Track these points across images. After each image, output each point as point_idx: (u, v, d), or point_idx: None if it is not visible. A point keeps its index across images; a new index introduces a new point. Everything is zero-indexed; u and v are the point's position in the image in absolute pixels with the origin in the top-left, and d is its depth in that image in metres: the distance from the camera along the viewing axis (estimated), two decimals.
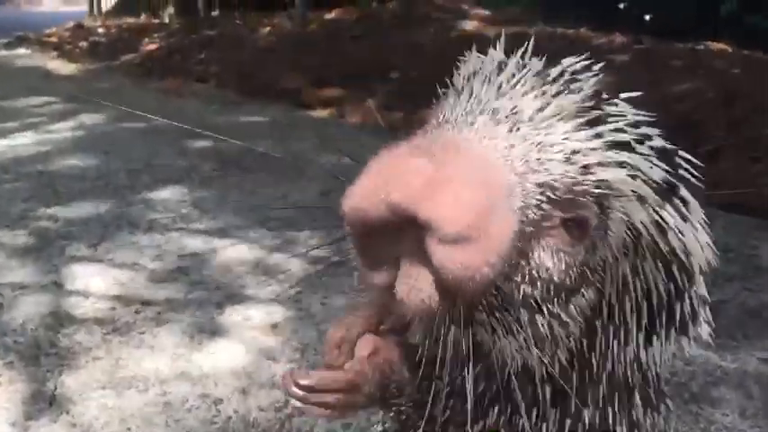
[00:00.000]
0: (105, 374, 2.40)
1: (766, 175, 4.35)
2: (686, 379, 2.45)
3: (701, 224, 0.87)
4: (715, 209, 4.05)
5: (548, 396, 0.87)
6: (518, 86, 0.79)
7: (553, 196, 0.74)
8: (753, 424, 2.23)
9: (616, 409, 0.89)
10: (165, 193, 4.20)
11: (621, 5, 8.29)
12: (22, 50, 11.26)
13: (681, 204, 0.85)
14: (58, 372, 2.40)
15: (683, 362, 2.54)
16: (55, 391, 2.31)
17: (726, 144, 4.62)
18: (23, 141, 5.41)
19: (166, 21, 11.49)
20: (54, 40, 11.65)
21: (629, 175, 0.77)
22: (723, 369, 2.51)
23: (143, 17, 12.23)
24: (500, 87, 0.79)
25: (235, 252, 3.37)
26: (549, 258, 0.77)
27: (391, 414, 0.99)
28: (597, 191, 0.75)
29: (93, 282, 3.02)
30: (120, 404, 2.25)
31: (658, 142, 0.83)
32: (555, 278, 0.78)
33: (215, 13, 11.47)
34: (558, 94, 0.78)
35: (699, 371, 2.50)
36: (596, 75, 0.83)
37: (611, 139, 0.78)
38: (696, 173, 0.88)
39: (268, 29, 9.72)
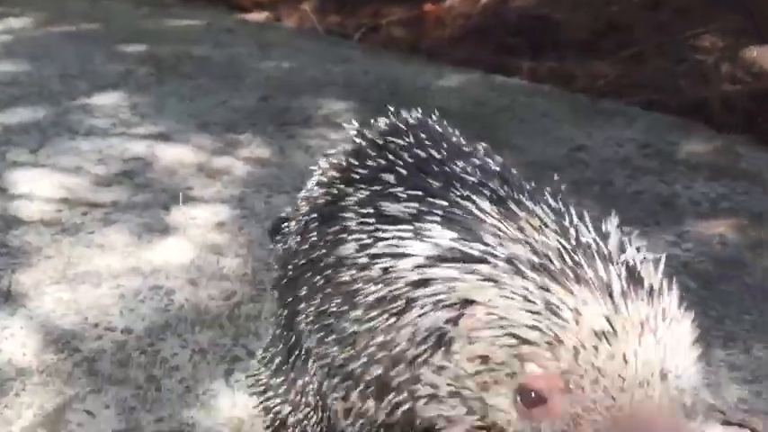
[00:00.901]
0: (58, 272, 2.50)
1: (689, 75, 4.57)
2: None
3: None
4: (638, 108, 4.29)
5: None
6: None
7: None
8: None
9: None
10: (103, 99, 4.18)
11: None
12: None
13: None
14: (11, 270, 2.49)
15: None
16: (9, 287, 2.41)
17: (650, 46, 4.81)
18: None
19: None
20: None
21: None
22: None
23: None
24: None
25: (177, 155, 3.44)
26: None
27: None
28: None
29: (37, 186, 3.07)
30: (75, 297, 2.37)
31: None
32: None
33: None
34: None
35: None
36: None
37: None
38: None
39: None
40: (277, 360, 1.53)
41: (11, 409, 1.92)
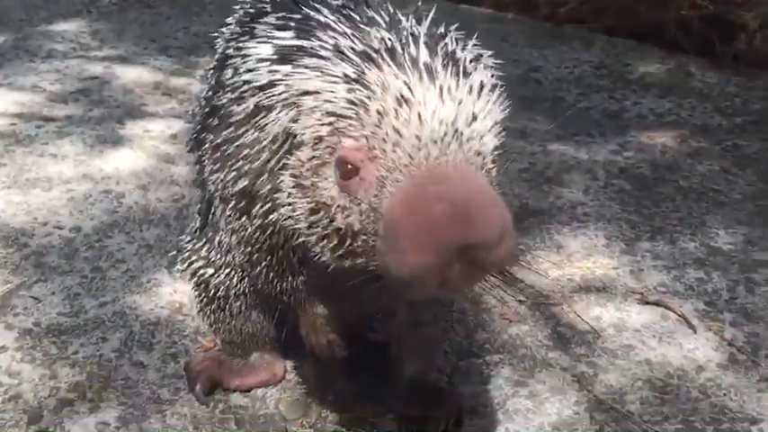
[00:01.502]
0: (9, 178, 2.56)
1: (648, 0, 4.60)
2: (543, 167, 2.77)
3: None
4: (598, 34, 4.33)
5: None
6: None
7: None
8: (592, 198, 2.58)
9: None
10: (64, 26, 4.18)
11: None
12: None
13: None
14: None
15: (543, 154, 2.87)
16: None
17: None
18: None
19: None
20: None
21: None
22: (576, 159, 2.85)
23: None
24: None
25: (135, 75, 3.47)
26: None
27: None
28: None
29: None
30: (26, 200, 2.43)
31: None
32: None
33: None
34: None
35: (555, 161, 2.82)
36: None
37: None
38: None
39: None
40: (197, 225, 1.61)
41: None
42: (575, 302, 2.03)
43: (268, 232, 1.21)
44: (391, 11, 1.18)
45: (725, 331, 1.93)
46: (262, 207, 1.18)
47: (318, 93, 1.02)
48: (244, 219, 1.23)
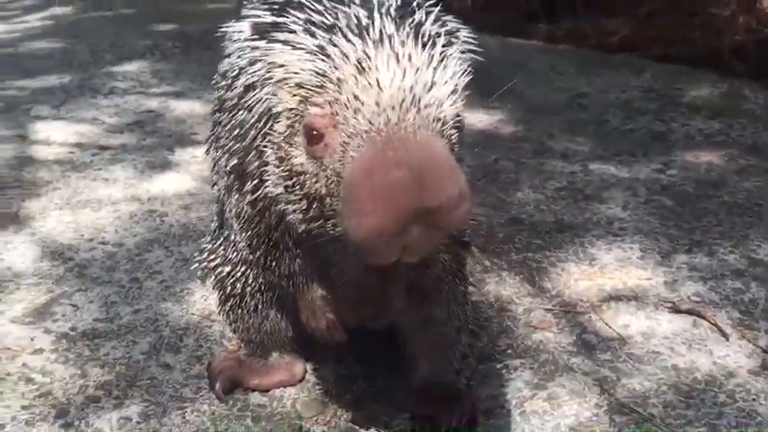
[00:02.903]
0: (63, 200, 2.69)
1: (702, 27, 4.54)
2: (582, 186, 2.74)
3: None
4: (649, 61, 4.29)
5: None
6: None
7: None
8: (631, 213, 2.53)
9: None
10: (127, 67, 4.41)
11: None
12: None
13: None
14: (21, 198, 2.69)
15: (583, 173, 2.84)
16: (18, 212, 2.60)
17: (664, 3, 4.80)
18: None
19: None
20: None
21: None
22: (617, 177, 2.81)
23: None
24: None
25: (188, 108, 3.62)
26: None
27: None
28: None
29: (54, 134, 3.28)
30: (75, 219, 2.55)
31: None
32: None
33: None
34: None
35: (595, 179, 2.79)
36: None
37: None
38: None
39: None
40: (215, 225, 1.66)
41: (3, 303, 2.10)
42: (603, 311, 1.99)
43: (258, 208, 1.25)
44: None
45: (759, 339, 1.85)
46: (251, 182, 1.22)
47: (287, 65, 1.07)
48: (237, 197, 1.28)
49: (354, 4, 1.08)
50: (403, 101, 0.99)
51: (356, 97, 0.99)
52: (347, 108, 1.00)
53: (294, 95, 1.06)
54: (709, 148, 3.06)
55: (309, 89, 1.04)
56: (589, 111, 3.54)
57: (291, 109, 1.07)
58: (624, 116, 3.44)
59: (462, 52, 1.09)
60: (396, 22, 1.03)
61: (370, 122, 0.99)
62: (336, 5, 1.08)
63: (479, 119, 3.40)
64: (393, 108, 0.98)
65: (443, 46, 1.04)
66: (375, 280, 1.32)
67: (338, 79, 1.00)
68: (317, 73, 1.02)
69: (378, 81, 0.99)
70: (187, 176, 2.88)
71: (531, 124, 3.36)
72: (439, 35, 1.05)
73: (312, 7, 1.09)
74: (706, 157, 2.97)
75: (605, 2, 5.07)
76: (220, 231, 1.63)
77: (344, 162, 1.01)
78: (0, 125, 3.41)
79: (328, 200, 1.06)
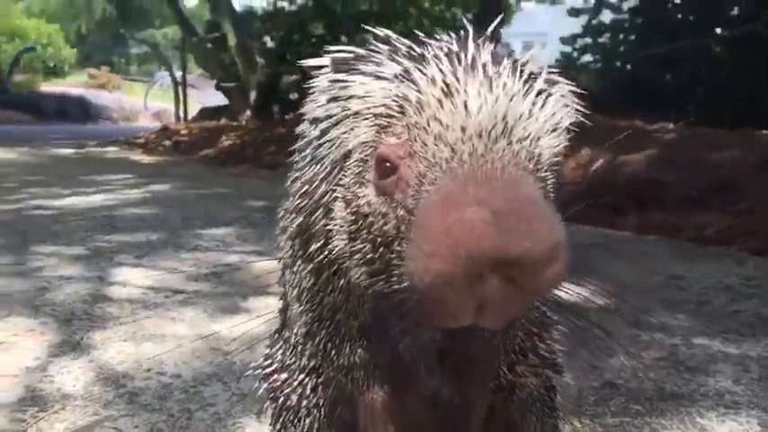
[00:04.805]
0: (128, 334, 2.60)
1: None
2: (684, 358, 2.46)
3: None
4: (748, 254, 4.07)
5: None
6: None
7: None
8: (744, 388, 2.22)
9: None
10: (214, 231, 4.49)
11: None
12: (111, 148, 12.18)
13: None
14: (87, 329, 2.61)
15: (686, 347, 2.57)
16: (80, 341, 2.51)
17: (761, 202, 4.65)
18: (96, 198, 5.88)
19: (243, 123, 12.28)
20: (141, 141, 12.57)
21: None
22: (724, 353, 2.52)
23: (222, 120, 13.11)
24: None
25: (266, 265, 3.57)
26: None
27: None
28: None
29: (132, 277, 3.27)
30: (136, 351, 2.43)
31: None
32: None
33: (288, 116, 12.20)
34: None
35: (699, 353, 2.51)
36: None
37: None
38: None
39: None
40: (276, 327, 1.50)
41: (46, 421, 1.94)
42: None
43: (323, 278, 1.07)
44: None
45: None
46: (316, 243, 1.05)
47: (366, 95, 0.95)
48: (300, 265, 1.10)
49: (452, 43, 0.98)
50: (493, 128, 0.84)
51: (438, 120, 0.85)
52: (427, 133, 0.86)
53: (371, 126, 0.93)
54: None
55: (386, 117, 0.90)
56: (687, 292, 3.30)
57: (365, 142, 0.94)
58: (728, 298, 3.18)
59: (563, 96, 0.96)
60: (492, 55, 0.93)
61: (453, 150, 0.84)
62: (427, 40, 0.99)
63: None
64: (480, 136, 0.84)
65: (545, 82, 0.92)
66: (449, 378, 1.11)
67: (420, 101, 0.87)
68: (398, 96, 0.89)
69: (465, 104, 0.85)
70: (257, 321, 2.75)
71: (622, 300, 3.14)
72: (539, 75, 0.93)
73: (400, 41, 1.00)
74: None
75: (697, 198, 4.96)
76: (280, 334, 1.46)
77: (418, 198, 0.85)
78: (83, 267, 3.44)
79: (396, 244, 0.88)
